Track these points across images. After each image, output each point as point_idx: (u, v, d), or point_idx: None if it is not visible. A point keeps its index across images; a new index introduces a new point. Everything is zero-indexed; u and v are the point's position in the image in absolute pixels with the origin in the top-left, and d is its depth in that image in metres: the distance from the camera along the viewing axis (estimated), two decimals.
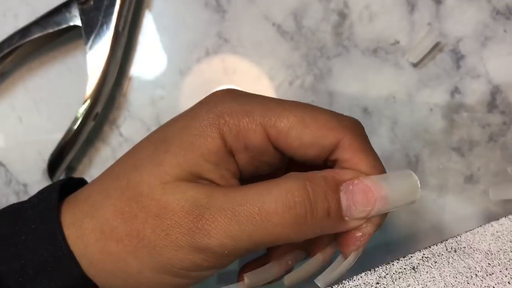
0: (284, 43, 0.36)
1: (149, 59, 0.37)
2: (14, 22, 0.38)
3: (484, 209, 0.34)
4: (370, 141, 0.24)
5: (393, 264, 0.26)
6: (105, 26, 0.34)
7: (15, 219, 0.24)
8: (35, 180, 0.39)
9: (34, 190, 0.39)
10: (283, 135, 0.23)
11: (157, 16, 0.37)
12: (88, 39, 0.35)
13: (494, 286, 0.25)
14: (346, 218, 0.22)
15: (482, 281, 0.25)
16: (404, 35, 0.35)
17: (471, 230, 0.28)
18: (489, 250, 0.26)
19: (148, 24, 0.37)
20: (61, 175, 0.37)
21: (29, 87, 0.38)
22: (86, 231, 0.23)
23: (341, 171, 0.23)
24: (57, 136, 0.36)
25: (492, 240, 0.27)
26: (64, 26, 0.35)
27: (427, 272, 0.25)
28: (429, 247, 0.27)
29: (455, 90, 0.34)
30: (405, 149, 0.35)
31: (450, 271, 0.25)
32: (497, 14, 0.34)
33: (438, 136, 0.34)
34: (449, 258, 0.26)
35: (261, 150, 0.24)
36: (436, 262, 0.26)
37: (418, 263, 0.26)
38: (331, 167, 0.24)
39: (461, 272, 0.25)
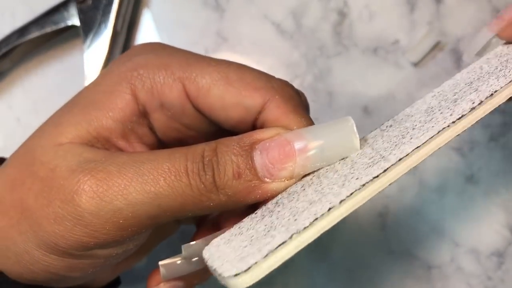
0: (283, 42, 0.36)
1: None
2: (12, 22, 0.38)
3: (485, 209, 0.34)
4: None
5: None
6: (103, 25, 0.34)
7: None
8: None
9: None
10: (204, 93, 0.21)
11: (155, 15, 0.37)
12: (86, 38, 0.35)
13: None
14: (266, 179, 0.20)
15: None
16: (404, 34, 0.35)
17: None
18: None
19: (147, 23, 0.37)
20: None
21: (27, 86, 0.38)
22: None
23: (261, 130, 0.20)
24: None
25: None
26: (62, 25, 0.35)
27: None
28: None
29: None
30: None
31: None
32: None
33: None
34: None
35: (179, 109, 0.21)
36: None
37: None
38: None
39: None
